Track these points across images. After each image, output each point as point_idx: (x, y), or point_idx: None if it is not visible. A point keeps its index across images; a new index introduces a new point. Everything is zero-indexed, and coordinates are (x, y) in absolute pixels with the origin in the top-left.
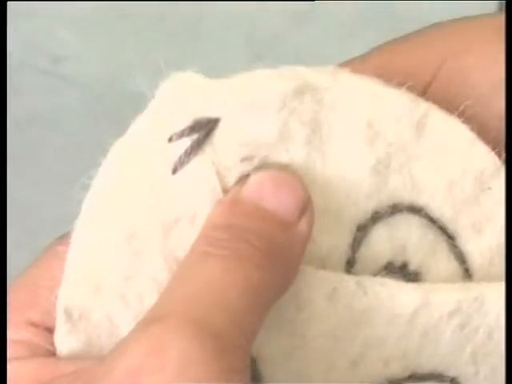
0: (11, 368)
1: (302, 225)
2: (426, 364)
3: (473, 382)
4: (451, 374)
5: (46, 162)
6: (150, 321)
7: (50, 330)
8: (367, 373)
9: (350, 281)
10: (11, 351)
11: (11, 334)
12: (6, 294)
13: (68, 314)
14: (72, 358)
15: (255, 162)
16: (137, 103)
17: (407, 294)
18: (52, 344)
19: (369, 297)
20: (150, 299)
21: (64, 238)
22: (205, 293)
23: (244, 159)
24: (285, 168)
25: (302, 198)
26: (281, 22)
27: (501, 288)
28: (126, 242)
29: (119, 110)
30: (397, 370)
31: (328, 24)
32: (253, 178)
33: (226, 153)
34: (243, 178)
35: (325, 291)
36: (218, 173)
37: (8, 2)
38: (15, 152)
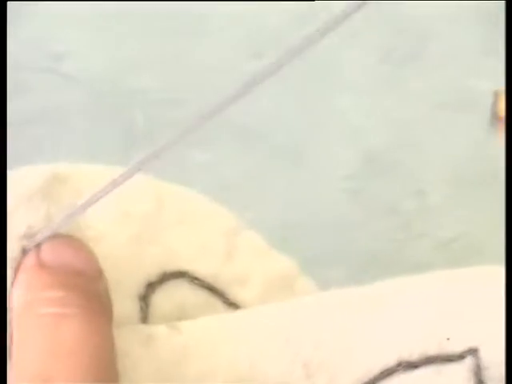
0: None
1: (103, 282)
2: None
3: None
4: None
5: (49, 159)
6: (42, 382)
7: None
8: None
9: (161, 326)
10: None
11: None
12: (5, 295)
13: None
14: None
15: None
16: (139, 100)
17: (222, 319)
18: None
19: (184, 334)
20: None
21: None
22: (75, 351)
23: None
24: (67, 235)
25: (94, 257)
26: (282, 22)
27: (318, 297)
28: None
29: (121, 107)
30: None
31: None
32: (46, 245)
33: (12, 244)
34: (33, 250)
35: (139, 340)
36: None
37: (9, 2)
38: (18, 150)
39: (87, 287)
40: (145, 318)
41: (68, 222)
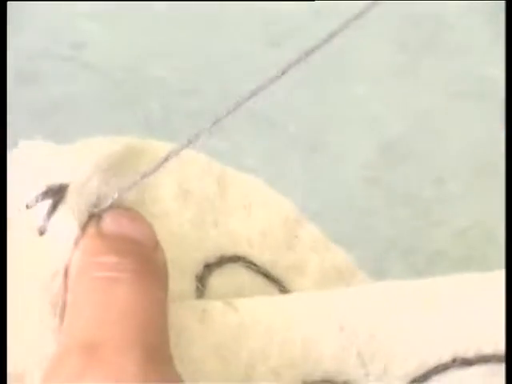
0: None
1: (160, 254)
2: (315, 371)
3: None
4: (343, 378)
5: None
6: (87, 350)
7: None
8: None
9: (217, 302)
10: None
11: None
12: (5, 295)
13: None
14: None
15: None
16: (157, 89)
17: (278, 301)
18: None
19: (241, 312)
20: (50, 346)
21: None
22: (129, 317)
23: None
24: (129, 207)
25: (151, 229)
26: (299, 12)
27: (374, 287)
28: (23, 293)
29: (140, 96)
30: (288, 379)
31: (347, 14)
32: (107, 215)
33: (77, 211)
34: (94, 218)
35: (195, 315)
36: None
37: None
38: (36, 138)
39: (142, 254)
40: (200, 297)
41: (127, 194)
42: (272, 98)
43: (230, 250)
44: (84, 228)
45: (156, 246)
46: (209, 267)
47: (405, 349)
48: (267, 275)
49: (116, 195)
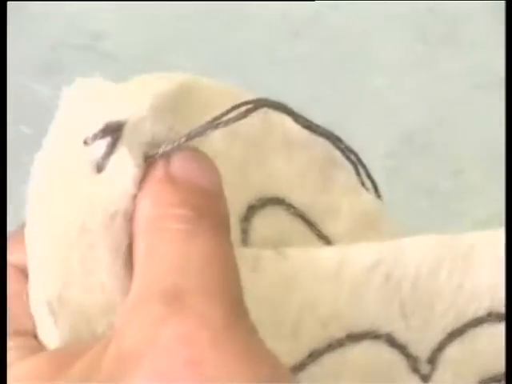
0: (14, 369)
1: (224, 198)
2: (361, 322)
3: (406, 336)
4: (386, 329)
5: None
6: (171, 298)
7: (30, 336)
8: (309, 337)
9: (267, 251)
10: (14, 355)
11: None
12: (5, 296)
13: (50, 307)
14: (63, 347)
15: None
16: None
17: (327, 251)
18: (40, 347)
19: (291, 260)
20: (111, 289)
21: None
22: (211, 269)
23: (149, 155)
24: (195, 148)
25: (218, 173)
26: (318, 1)
27: (416, 240)
28: (79, 235)
29: None
30: (335, 330)
31: (366, 4)
32: (175, 158)
33: (135, 149)
34: (161, 160)
35: (248, 264)
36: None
37: None
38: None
39: (214, 208)
40: (245, 239)
41: (193, 137)
42: (292, 89)
43: (271, 192)
44: (149, 169)
45: (222, 192)
46: (252, 209)
47: (444, 302)
48: (305, 218)
49: (183, 139)
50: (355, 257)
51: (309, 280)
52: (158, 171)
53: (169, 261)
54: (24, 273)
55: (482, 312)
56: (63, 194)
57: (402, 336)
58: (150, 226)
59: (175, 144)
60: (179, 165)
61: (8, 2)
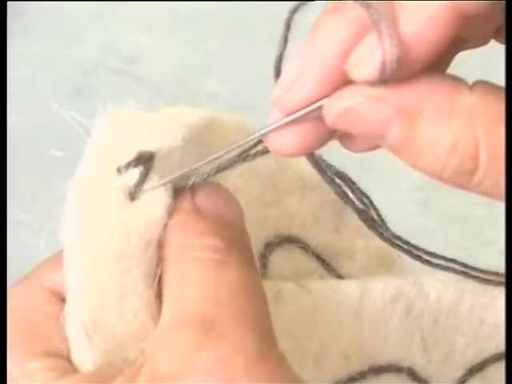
0: None
1: (247, 233)
2: (382, 355)
3: (428, 371)
4: (407, 363)
5: None
6: (204, 326)
7: (62, 358)
8: (330, 369)
9: (290, 283)
10: (46, 377)
11: (36, 365)
12: (5, 296)
13: (86, 330)
14: (95, 370)
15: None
16: (209, 104)
17: (348, 285)
18: (73, 369)
19: (313, 294)
20: (143, 315)
21: (27, 280)
22: (241, 298)
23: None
24: (218, 183)
25: (241, 208)
26: None
27: (436, 273)
28: (115, 261)
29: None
30: (356, 363)
31: None
32: (202, 191)
33: (166, 178)
34: (187, 192)
35: (270, 295)
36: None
37: (83, 3)
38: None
39: (240, 240)
40: (265, 274)
41: (221, 170)
42: None
43: (287, 230)
44: (176, 200)
45: (244, 225)
46: (269, 246)
47: (465, 336)
48: (320, 258)
49: (213, 171)
50: (376, 290)
51: (330, 313)
52: (186, 202)
53: (201, 289)
54: (60, 297)
55: (502, 347)
56: (98, 221)
57: (423, 370)
58: (181, 254)
59: (204, 176)
60: (205, 197)
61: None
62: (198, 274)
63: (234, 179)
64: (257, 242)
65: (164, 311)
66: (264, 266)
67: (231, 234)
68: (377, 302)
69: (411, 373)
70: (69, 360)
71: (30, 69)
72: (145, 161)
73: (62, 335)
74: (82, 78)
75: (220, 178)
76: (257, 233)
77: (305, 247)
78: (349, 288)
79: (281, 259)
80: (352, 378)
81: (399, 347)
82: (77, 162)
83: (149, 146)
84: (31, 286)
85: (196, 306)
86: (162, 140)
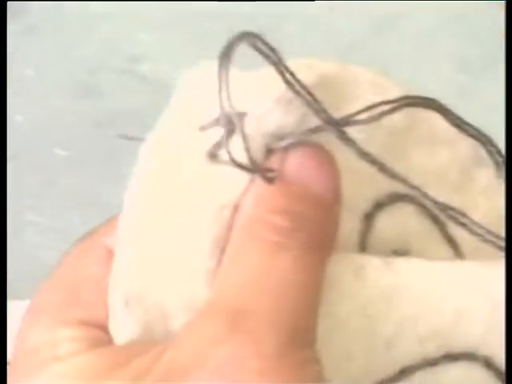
0: (67, 361)
1: (337, 207)
2: (460, 343)
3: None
4: (484, 352)
5: (127, 160)
6: (235, 317)
7: (98, 327)
8: (403, 352)
9: (375, 259)
10: (72, 347)
11: (67, 332)
12: (5, 296)
13: (126, 299)
14: (131, 343)
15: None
16: None
17: (436, 267)
18: (108, 338)
19: (397, 273)
20: (200, 288)
21: (89, 235)
22: (287, 292)
23: (269, 148)
24: (319, 144)
25: (338, 177)
26: (360, 28)
27: None
28: (173, 229)
29: None
30: (431, 349)
31: (407, 33)
32: (294, 154)
33: (254, 142)
34: (278, 155)
35: (352, 270)
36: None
37: (87, 3)
38: (94, 151)
39: (317, 220)
40: (363, 241)
41: (317, 131)
42: None
43: (403, 188)
44: (263, 163)
45: (337, 197)
46: (379, 205)
47: None
48: (435, 219)
49: (307, 132)
50: (465, 279)
51: (412, 295)
52: (272, 164)
53: (247, 274)
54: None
55: None
56: (171, 178)
57: (499, 361)
58: (245, 230)
59: (297, 137)
60: (295, 162)
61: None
62: (252, 255)
63: (354, 133)
64: (364, 201)
65: (211, 290)
66: (363, 230)
67: (309, 212)
68: (464, 290)
69: (488, 362)
70: (106, 329)
71: (34, 68)
72: (231, 120)
73: (103, 302)
74: (87, 77)
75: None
76: (366, 191)
77: (421, 206)
78: (439, 271)
79: (389, 220)
80: (424, 364)
81: (481, 338)
82: (82, 161)
83: (237, 105)
84: (91, 244)
85: (234, 294)
86: (254, 100)
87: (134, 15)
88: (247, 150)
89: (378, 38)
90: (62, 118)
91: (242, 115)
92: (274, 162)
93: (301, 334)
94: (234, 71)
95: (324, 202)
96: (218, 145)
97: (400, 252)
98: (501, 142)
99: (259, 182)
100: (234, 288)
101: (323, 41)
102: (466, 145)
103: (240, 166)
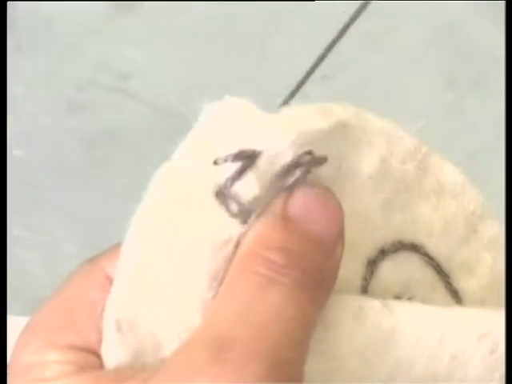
0: (63, 383)
1: (339, 250)
2: None
3: None
4: None
5: (115, 178)
6: (219, 346)
7: (90, 352)
8: None
9: (375, 301)
10: (59, 370)
11: (55, 356)
12: (5, 297)
13: (118, 325)
14: (119, 368)
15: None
16: None
17: (435, 312)
18: (98, 363)
19: (396, 316)
20: (195, 319)
21: (92, 260)
22: (272, 324)
23: (280, 188)
24: (325, 187)
25: (342, 221)
26: (349, 44)
27: None
28: (182, 257)
29: (187, 127)
30: None
31: (397, 48)
32: (298, 194)
33: (265, 181)
34: (285, 191)
35: (351, 311)
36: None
37: (75, 19)
38: (83, 168)
39: (315, 259)
40: (366, 286)
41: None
42: None
43: (409, 238)
44: (269, 201)
45: (339, 239)
46: (383, 253)
47: None
48: (438, 269)
49: (308, 170)
50: (464, 324)
51: (410, 339)
52: (277, 205)
53: (236, 306)
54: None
55: None
56: (176, 212)
57: None
58: (240, 263)
59: (300, 176)
60: (300, 202)
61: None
62: (242, 288)
63: (362, 180)
64: (369, 247)
65: (203, 318)
66: (366, 275)
67: (305, 251)
68: (462, 337)
69: None
70: (99, 354)
71: (23, 84)
72: (244, 158)
73: (96, 327)
74: (76, 93)
75: (345, 177)
76: (372, 237)
77: (425, 256)
78: (437, 316)
79: (392, 267)
80: None
81: (476, 383)
82: (71, 177)
83: (252, 144)
84: (93, 269)
85: (220, 324)
86: (268, 141)
87: (122, 32)
88: (259, 187)
89: (366, 55)
90: (51, 135)
91: (256, 154)
92: (279, 200)
93: (286, 368)
94: (255, 110)
95: (325, 243)
96: (230, 179)
97: (402, 298)
98: (488, 160)
99: (263, 217)
100: (221, 318)
101: (310, 58)
102: (472, 196)
103: (242, 211)
